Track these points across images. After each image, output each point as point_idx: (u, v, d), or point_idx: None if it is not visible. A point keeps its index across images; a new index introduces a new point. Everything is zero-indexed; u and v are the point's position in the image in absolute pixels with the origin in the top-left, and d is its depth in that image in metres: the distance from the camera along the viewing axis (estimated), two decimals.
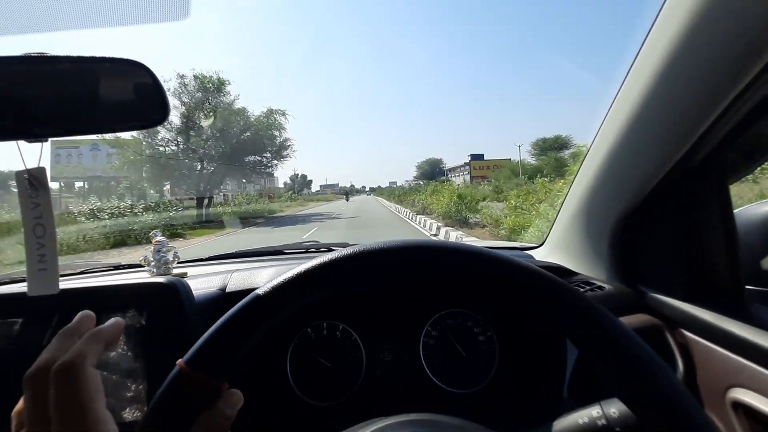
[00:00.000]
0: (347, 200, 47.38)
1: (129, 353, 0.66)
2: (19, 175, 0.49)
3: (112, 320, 0.35)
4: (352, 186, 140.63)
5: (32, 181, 0.49)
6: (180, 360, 0.33)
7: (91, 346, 0.32)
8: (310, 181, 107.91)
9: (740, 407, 0.54)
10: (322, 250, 1.27)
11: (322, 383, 0.73)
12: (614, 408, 0.39)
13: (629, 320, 0.69)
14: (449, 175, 71.49)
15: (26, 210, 0.50)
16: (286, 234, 12.02)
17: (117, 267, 1.19)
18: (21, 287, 1.06)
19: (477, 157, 67.47)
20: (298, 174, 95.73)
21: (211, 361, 0.33)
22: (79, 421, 0.28)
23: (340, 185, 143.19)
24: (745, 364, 0.54)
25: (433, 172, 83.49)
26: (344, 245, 1.26)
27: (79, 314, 0.36)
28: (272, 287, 0.36)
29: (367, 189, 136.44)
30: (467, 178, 61.23)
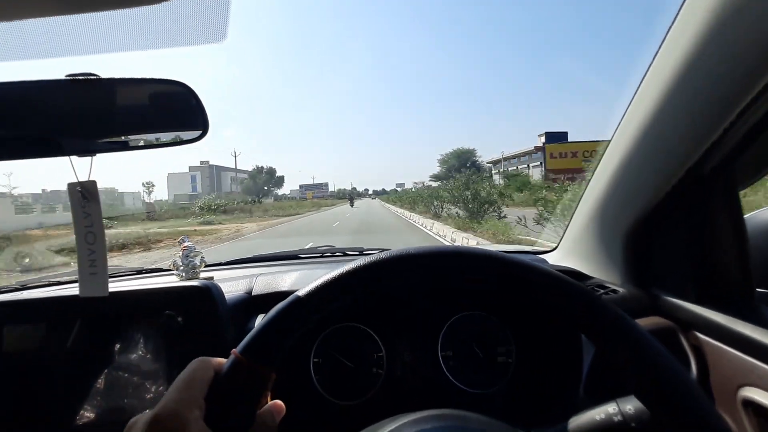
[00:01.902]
0: (351, 205, 43.03)
1: (148, 355, 0.70)
2: (71, 187, 0.54)
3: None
4: (354, 189, 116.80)
5: (84, 193, 0.53)
6: (234, 349, 0.37)
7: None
8: (281, 179, 73.54)
9: (750, 405, 0.56)
10: (337, 254, 1.30)
11: (344, 383, 0.76)
12: (630, 405, 0.42)
13: (643, 323, 0.71)
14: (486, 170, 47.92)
15: (78, 219, 0.54)
16: None
17: (139, 271, 1.24)
18: (44, 292, 1.12)
19: (556, 138, 36.98)
20: (262, 167, 70.80)
21: (264, 350, 0.37)
22: None
23: (334, 187, 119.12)
24: (756, 364, 0.56)
25: (464, 166, 55.28)
26: (359, 250, 1.31)
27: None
28: (318, 285, 0.40)
29: (370, 192, 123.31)
30: (533, 171, 37.42)
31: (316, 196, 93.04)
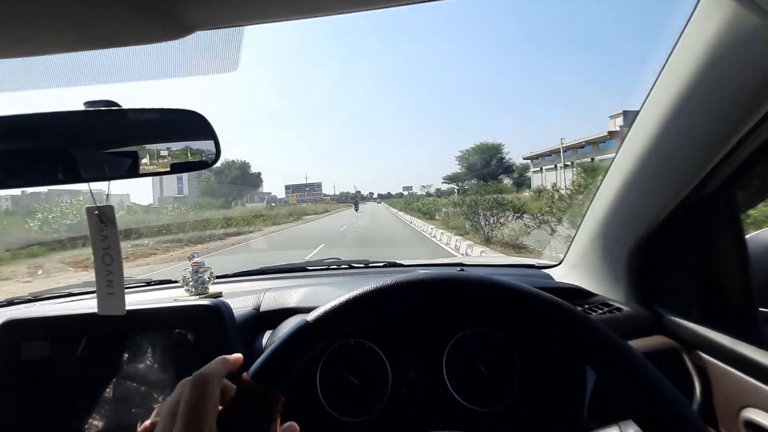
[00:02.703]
0: (356, 210, 38.71)
1: (156, 366, 0.72)
2: (90, 211, 0.56)
3: (236, 355, 0.42)
4: (358, 192, 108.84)
5: (102, 217, 0.56)
6: (245, 373, 0.39)
7: (220, 369, 0.39)
8: (256, 176, 55.24)
9: (752, 427, 0.57)
10: (343, 267, 1.32)
11: (349, 400, 0.77)
12: (632, 429, 0.43)
13: (647, 342, 0.72)
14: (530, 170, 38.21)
15: (96, 241, 0.57)
16: None
17: (149, 283, 1.26)
18: (57, 303, 1.14)
19: None
20: (233, 161, 51.32)
21: (275, 374, 0.39)
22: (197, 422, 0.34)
23: (335, 190, 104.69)
24: (758, 386, 0.57)
25: (487, 165, 48.02)
26: (365, 263, 1.32)
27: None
28: (328, 309, 0.42)
29: (375, 196, 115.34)
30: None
31: (303, 199, 67.17)
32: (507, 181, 45.37)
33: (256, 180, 53.58)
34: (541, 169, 35.04)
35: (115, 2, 0.39)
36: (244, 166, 53.08)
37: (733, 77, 0.50)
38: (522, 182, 42.08)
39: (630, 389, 0.36)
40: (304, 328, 0.42)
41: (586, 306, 0.82)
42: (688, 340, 0.70)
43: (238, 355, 0.42)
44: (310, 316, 0.42)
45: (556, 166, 32.20)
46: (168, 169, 0.57)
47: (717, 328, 0.66)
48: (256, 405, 0.38)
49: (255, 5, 0.44)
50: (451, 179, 54.19)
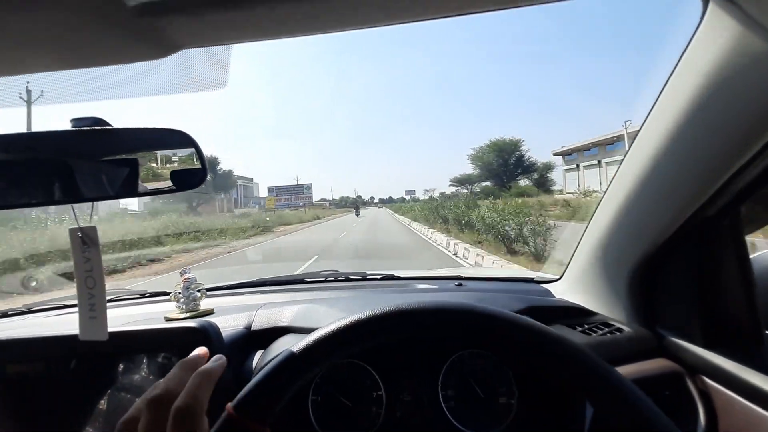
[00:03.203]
0: (357, 215, 37.13)
1: (151, 377, 0.70)
2: (72, 232, 0.54)
3: (217, 358, 0.41)
4: (359, 197, 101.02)
5: (84, 238, 0.54)
6: (229, 404, 0.38)
7: (204, 391, 0.37)
8: (226, 175, 41.81)
9: None
10: (340, 279, 1.30)
11: (343, 422, 0.75)
12: None
13: (649, 365, 0.69)
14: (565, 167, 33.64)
15: (78, 264, 0.55)
16: None
17: (143, 295, 1.24)
18: (50, 316, 1.13)
19: None
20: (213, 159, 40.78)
21: (258, 407, 0.38)
22: None
23: (334, 194, 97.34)
24: (766, 416, 0.54)
25: (505, 164, 41.36)
26: (362, 275, 1.30)
27: (197, 351, 0.43)
28: (316, 339, 0.41)
29: (376, 200, 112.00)
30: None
31: (284, 204, 53.30)
32: (525, 182, 40.07)
33: (226, 181, 42.30)
34: (578, 166, 29.53)
35: (100, 22, 0.38)
36: (212, 164, 39.66)
37: (739, 96, 0.48)
38: (543, 183, 38.24)
39: (623, 418, 0.36)
40: (290, 359, 0.40)
41: (586, 326, 0.80)
42: (691, 363, 0.68)
43: (220, 359, 0.40)
44: (297, 347, 0.41)
45: (600, 162, 25.91)
46: (154, 189, 0.56)
47: (722, 351, 0.64)
48: None
49: (241, 25, 0.43)
50: (459, 181, 48.00)
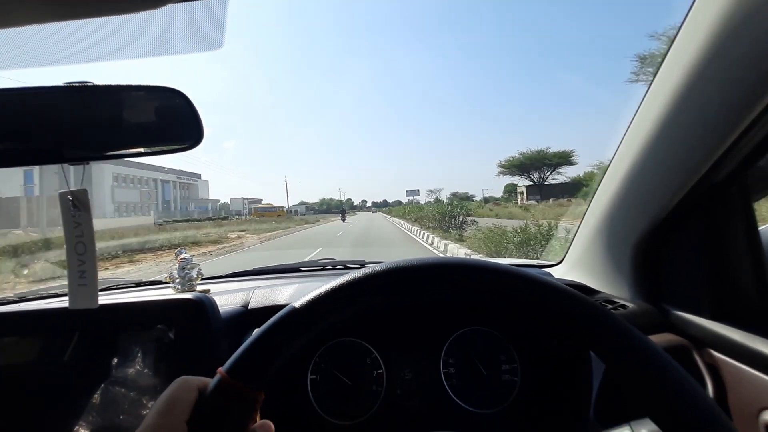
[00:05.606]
0: (343, 220, 35.07)
1: (146, 370, 0.68)
2: (62, 195, 0.52)
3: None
4: (349, 200, 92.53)
5: (75, 201, 0.52)
6: (221, 368, 0.35)
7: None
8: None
9: None
10: (338, 267, 1.28)
11: (342, 401, 0.73)
12: (645, 429, 0.39)
13: (655, 340, 0.68)
14: None
15: (69, 228, 0.53)
16: None
17: (138, 284, 1.22)
18: (42, 304, 1.11)
19: None
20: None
21: (251, 371, 0.35)
22: None
23: (315, 197, 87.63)
24: None
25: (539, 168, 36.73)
26: (361, 263, 1.28)
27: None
28: (310, 299, 0.38)
29: (369, 204, 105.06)
30: None
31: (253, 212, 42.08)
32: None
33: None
34: None
35: None
36: None
37: (745, 53, 0.47)
38: None
39: (649, 384, 0.32)
40: (283, 320, 0.37)
41: None
42: (698, 337, 0.66)
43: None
44: (300, 301, 0.38)
45: None
46: (147, 150, 0.54)
47: (729, 323, 0.63)
48: (231, 402, 0.34)
49: None
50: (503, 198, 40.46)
